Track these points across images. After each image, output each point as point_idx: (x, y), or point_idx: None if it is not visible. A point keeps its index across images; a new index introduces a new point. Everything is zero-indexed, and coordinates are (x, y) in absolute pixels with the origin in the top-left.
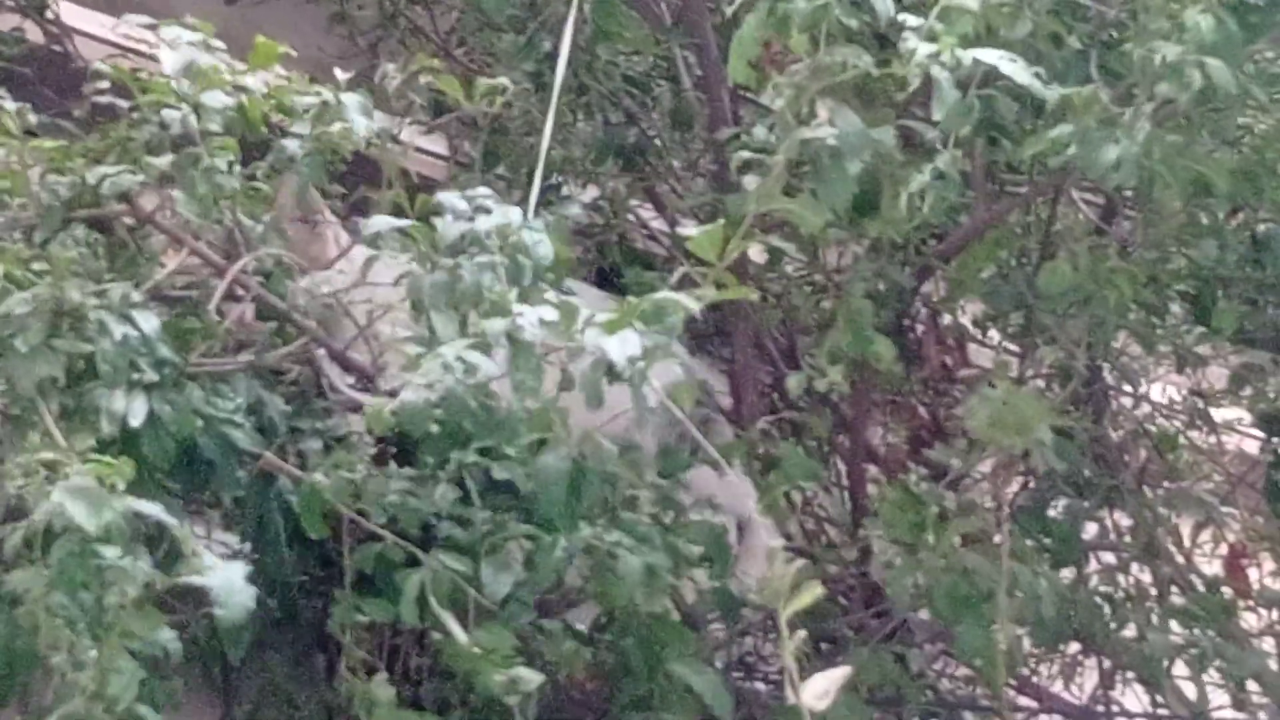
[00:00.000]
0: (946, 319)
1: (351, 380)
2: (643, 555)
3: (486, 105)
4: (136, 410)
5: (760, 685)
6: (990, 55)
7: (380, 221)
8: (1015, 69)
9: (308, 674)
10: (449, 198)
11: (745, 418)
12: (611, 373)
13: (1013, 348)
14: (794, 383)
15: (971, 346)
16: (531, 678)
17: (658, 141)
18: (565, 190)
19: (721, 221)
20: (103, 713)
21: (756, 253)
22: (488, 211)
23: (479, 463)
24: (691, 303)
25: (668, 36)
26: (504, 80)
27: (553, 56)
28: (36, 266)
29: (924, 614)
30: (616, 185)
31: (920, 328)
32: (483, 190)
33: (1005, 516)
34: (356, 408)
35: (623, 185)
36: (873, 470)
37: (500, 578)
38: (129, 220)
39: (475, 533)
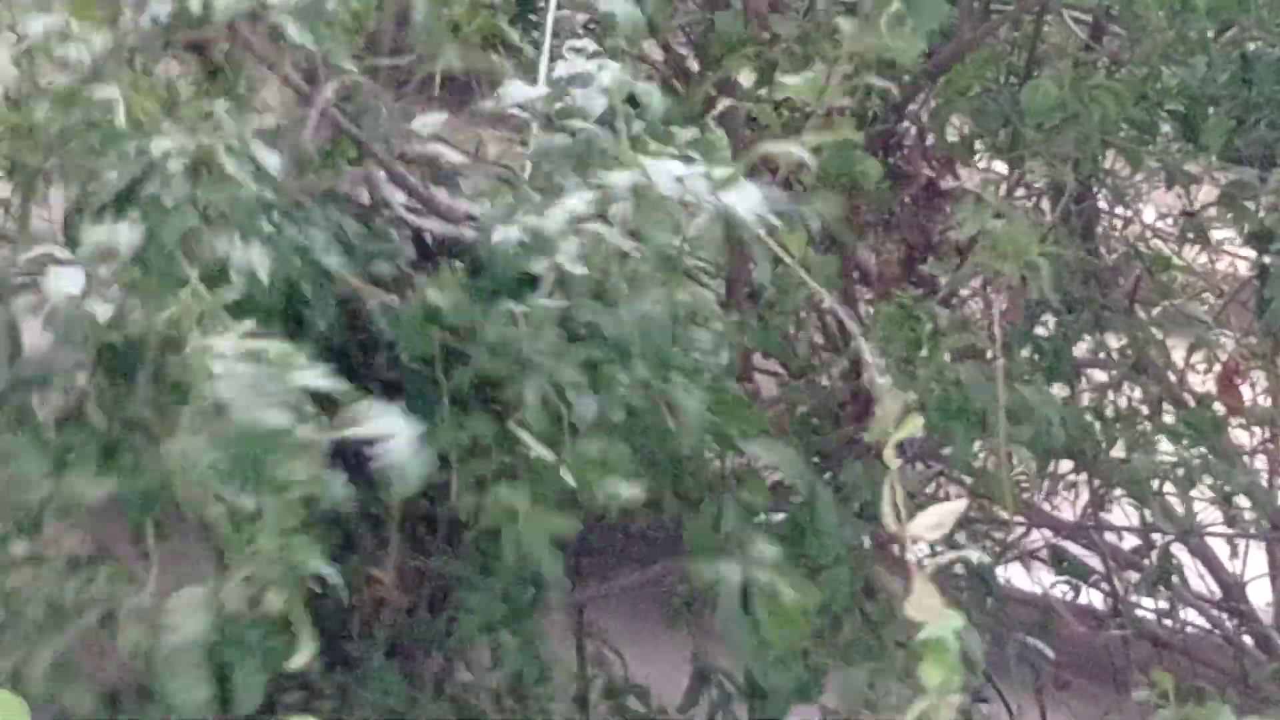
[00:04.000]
0: (933, 138)
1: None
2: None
3: None
4: (260, 262)
5: None
6: None
7: (517, 90)
8: None
9: None
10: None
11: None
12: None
13: (1001, 167)
14: None
15: (961, 168)
16: (635, 492)
17: None
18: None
19: (821, 67)
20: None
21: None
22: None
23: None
24: (802, 152)
25: None
26: None
27: None
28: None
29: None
30: None
31: (907, 146)
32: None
33: (1000, 333)
34: (417, 230)
35: None
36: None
37: (584, 400)
38: (225, 46)
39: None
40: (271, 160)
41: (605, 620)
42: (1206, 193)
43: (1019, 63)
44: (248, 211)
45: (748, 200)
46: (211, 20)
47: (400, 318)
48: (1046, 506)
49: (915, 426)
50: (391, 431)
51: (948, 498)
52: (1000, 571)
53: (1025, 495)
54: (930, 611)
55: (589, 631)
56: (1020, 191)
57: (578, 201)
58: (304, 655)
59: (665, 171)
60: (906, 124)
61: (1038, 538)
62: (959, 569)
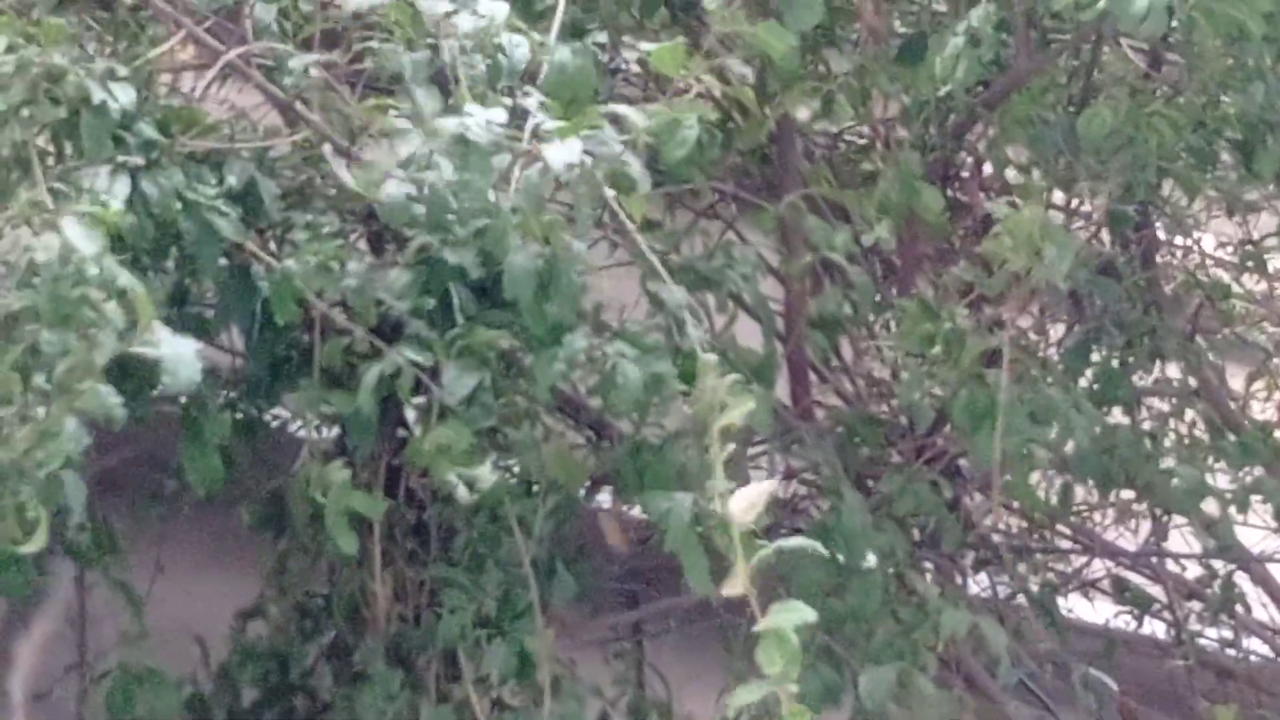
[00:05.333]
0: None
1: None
2: (646, 366)
3: None
4: (118, 190)
5: None
6: None
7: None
8: None
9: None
10: None
11: (793, 271)
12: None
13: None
14: (839, 240)
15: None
16: (487, 478)
17: None
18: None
19: (681, 38)
20: (34, 468)
21: (804, 111)
22: (471, 6)
23: (434, 249)
24: (640, 117)
25: None
26: None
27: None
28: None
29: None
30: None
31: (964, 176)
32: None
33: (1010, 335)
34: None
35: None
36: None
37: (462, 378)
38: (129, 1)
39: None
40: (125, 95)
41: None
42: (1266, 220)
43: (1076, 91)
44: (96, 136)
45: (565, 151)
46: None
47: (276, 280)
48: (1109, 535)
49: (745, 409)
50: (173, 351)
51: (1008, 529)
52: (1062, 602)
53: (1087, 524)
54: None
55: (620, 652)
56: (1079, 221)
57: (406, 148)
58: (37, 542)
59: (484, 117)
60: (964, 154)
61: (1099, 567)
62: (1021, 599)
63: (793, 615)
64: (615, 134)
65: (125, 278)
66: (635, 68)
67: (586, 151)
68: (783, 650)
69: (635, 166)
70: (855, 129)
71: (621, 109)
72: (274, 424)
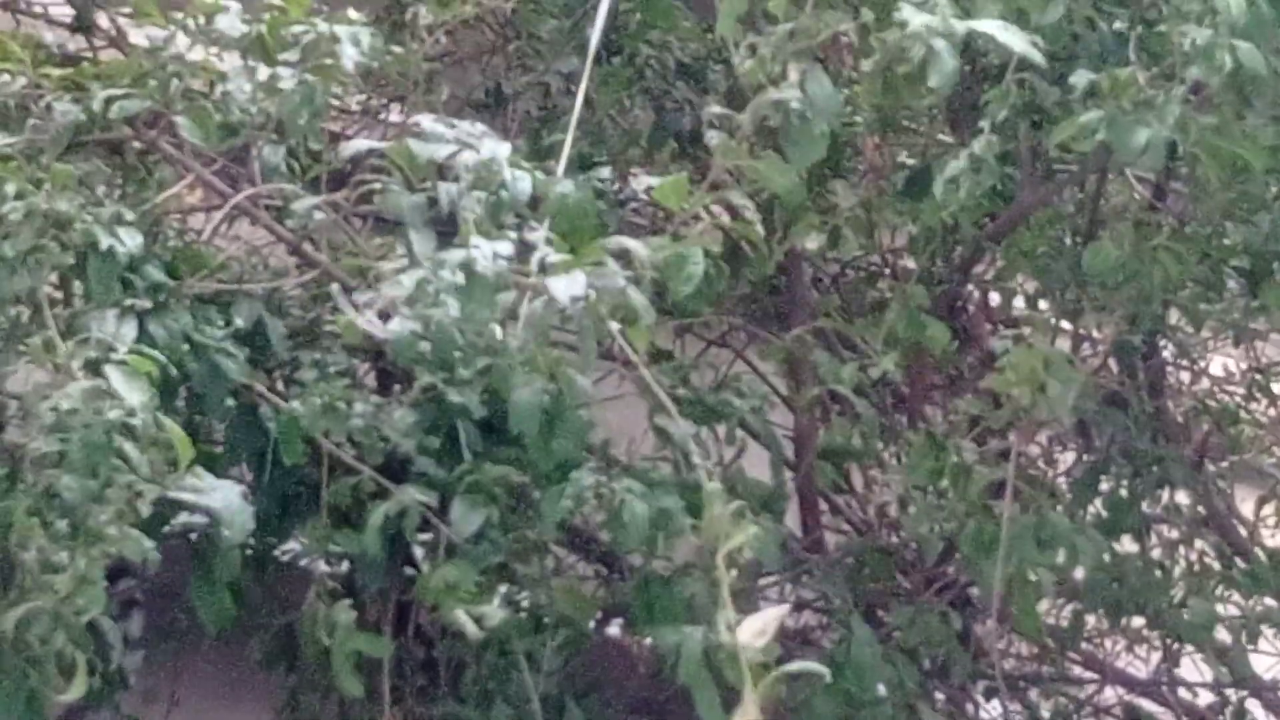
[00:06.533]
0: (996, 299)
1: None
2: (653, 501)
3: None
4: (126, 333)
5: None
6: (988, 26)
7: (357, 143)
8: (1012, 38)
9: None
10: (429, 122)
11: (801, 404)
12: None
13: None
14: (846, 373)
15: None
16: (495, 614)
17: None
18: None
19: (684, 174)
20: (71, 615)
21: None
22: (474, 146)
23: (440, 389)
24: (644, 250)
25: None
26: None
27: (604, 44)
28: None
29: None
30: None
31: (971, 308)
32: (473, 126)
33: (1014, 464)
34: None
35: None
36: None
37: (470, 515)
38: (139, 145)
39: (453, 470)
40: (132, 239)
41: None
42: (1276, 342)
43: (1082, 223)
44: (103, 280)
45: (570, 285)
46: (110, 120)
47: (283, 421)
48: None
49: (752, 541)
50: (226, 501)
51: (1020, 656)
52: None
53: (1098, 651)
54: None
55: None
56: (1087, 349)
57: (409, 280)
58: (78, 689)
59: (490, 250)
60: (970, 287)
61: (1111, 695)
62: None
63: None
64: (620, 267)
65: (168, 425)
66: (644, 197)
67: (590, 285)
68: None
69: (639, 299)
70: (863, 258)
71: (627, 243)
72: (285, 558)
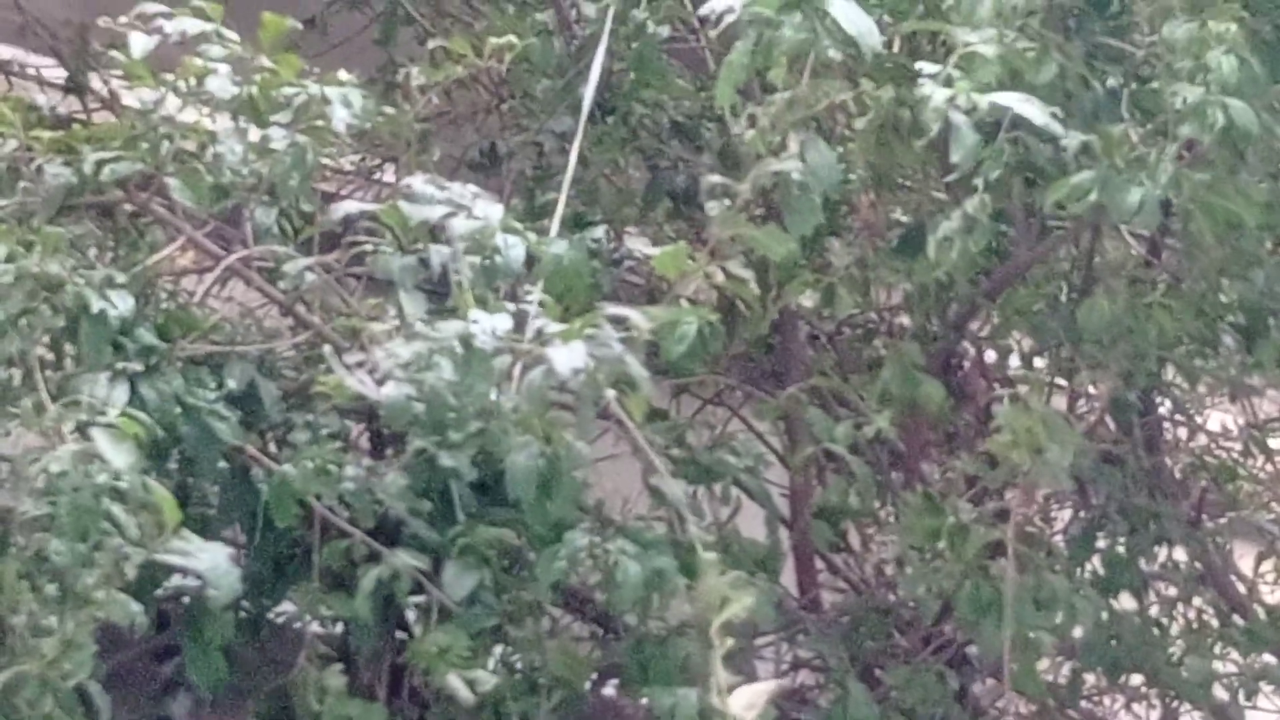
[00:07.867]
0: (991, 356)
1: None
2: (648, 562)
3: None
4: (117, 397)
5: None
6: (1008, 98)
7: (349, 204)
8: (1033, 110)
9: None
10: (419, 183)
11: (796, 463)
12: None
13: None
14: (841, 431)
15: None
16: (488, 679)
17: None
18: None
19: (683, 242)
20: (59, 680)
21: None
22: (466, 209)
23: (429, 451)
24: (642, 319)
25: (709, 82)
26: (511, 38)
27: (598, 103)
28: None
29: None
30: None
31: (966, 365)
32: (465, 187)
33: (1015, 526)
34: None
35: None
36: None
37: (463, 578)
38: (130, 208)
39: (446, 533)
40: (124, 302)
41: None
42: (1272, 397)
43: (1077, 279)
44: (95, 343)
45: (570, 356)
46: (102, 183)
47: (275, 483)
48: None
49: (745, 605)
50: (213, 563)
51: (1019, 714)
52: None
53: (1097, 709)
54: None
55: None
56: (1083, 406)
57: (406, 351)
58: None
59: (488, 323)
60: (966, 344)
61: None
62: None
63: None
64: (615, 333)
65: (155, 488)
66: (639, 256)
67: (590, 354)
68: None
69: (636, 367)
70: (859, 315)
71: (623, 311)
72: (279, 620)
